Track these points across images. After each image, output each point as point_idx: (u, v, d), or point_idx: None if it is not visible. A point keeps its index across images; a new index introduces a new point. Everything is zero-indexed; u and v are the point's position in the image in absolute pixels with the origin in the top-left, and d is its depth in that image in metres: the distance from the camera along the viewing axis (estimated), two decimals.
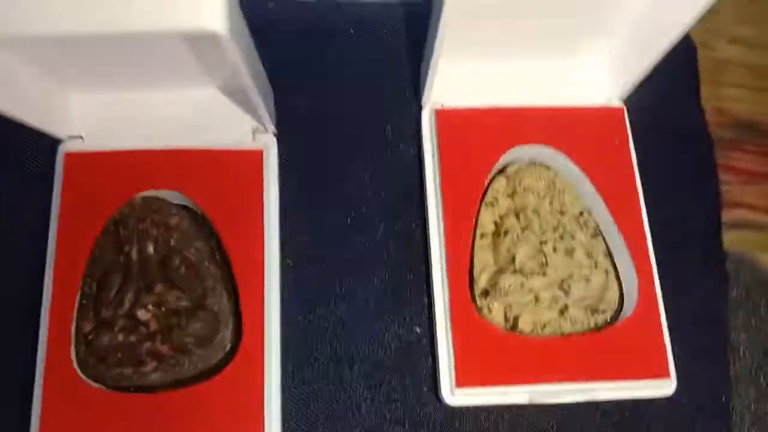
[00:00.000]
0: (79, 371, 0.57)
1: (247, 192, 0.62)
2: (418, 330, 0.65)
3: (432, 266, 0.61)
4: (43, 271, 0.60)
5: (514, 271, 0.61)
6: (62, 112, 0.63)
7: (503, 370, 0.58)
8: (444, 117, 0.65)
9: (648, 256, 0.62)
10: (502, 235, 0.62)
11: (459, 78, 0.66)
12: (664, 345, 0.60)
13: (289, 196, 0.65)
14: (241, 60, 0.47)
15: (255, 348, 0.58)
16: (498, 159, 0.64)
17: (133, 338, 0.58)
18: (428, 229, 0.63)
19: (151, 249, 0.60)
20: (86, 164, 0.62)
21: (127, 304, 0.59)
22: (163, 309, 0.59)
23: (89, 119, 0.64)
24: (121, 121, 0.64)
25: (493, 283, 0.61)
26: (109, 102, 0.65)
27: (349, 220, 0.68)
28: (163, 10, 0.42)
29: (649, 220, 0.63)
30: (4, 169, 0.67)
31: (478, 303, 0.61)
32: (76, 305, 0.59)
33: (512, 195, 0.64)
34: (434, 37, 0.56)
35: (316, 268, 0.66)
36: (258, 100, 0.56)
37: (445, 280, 0.60)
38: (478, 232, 0.63)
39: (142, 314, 0.58)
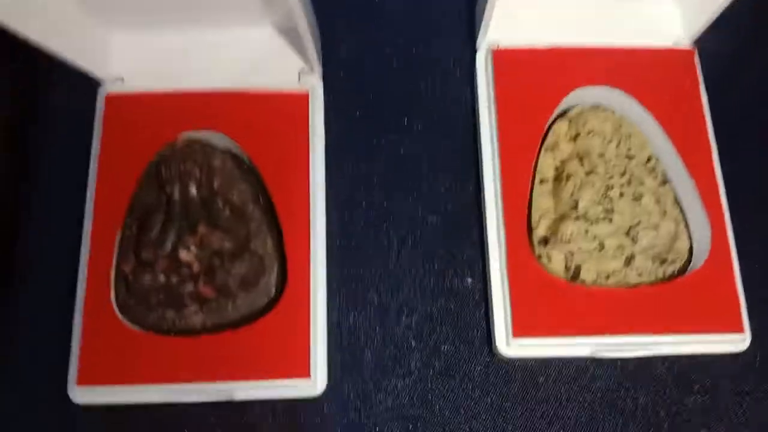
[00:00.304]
0: (118, 313, 0.56)
1: (292, 135, 0.60)
2: (469, 281, 0.62)
3: (486, 213, 0.59)
4: (83, 212, 0.58)
5: (577, 218, 0.58)
6: (102, 53, 0.62)
7: (564, 321, 0.55)
8: (501, 57, 0.62)
9: (720, 206, 0.58)
10: (564, 179, 0.59)
11: (517, 16, 0.63)
12: (738, 298, 0.56)
13: (333, 140, 0.63)
14: None
15: (301, 293, 0.56)
16: (560, 101, 0.61)
17: (174, 279, 0.56)
18: (483, 175, 0.60)
19: (194, 190, 0.58)
20: (127, 106, 0.61)
21: (169, 245, 0.57)
22: (206, 250, 0.56)
23: (130, 60, 0.63)
24: (162, 62, 0.63)
25: (554, 230, 0.58)
26: (150, 43, 0.63)
27: (395, 168, 0.65)
28: None
29: (721, 168, 0.59)
30: (47, 109, 0.66)
31: (537, 251, 0.58)
32: (116, 246, 0.57)
33: (575, 138, 0.61)
34: None
35: (361, 214, 0.64)
36: (308, 37, 0.54)
37: (502, 227, 0.57)
38: (537, 177, 0.60)
39: (184, 255, 0.56)
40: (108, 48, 0.62)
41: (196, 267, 0.56)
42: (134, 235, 0.57)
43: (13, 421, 0.58)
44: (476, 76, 0.63)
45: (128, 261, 0.57)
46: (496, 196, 0.58)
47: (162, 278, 0.56)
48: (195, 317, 0.56)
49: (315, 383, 0.55)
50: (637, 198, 0.58)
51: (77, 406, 0.55)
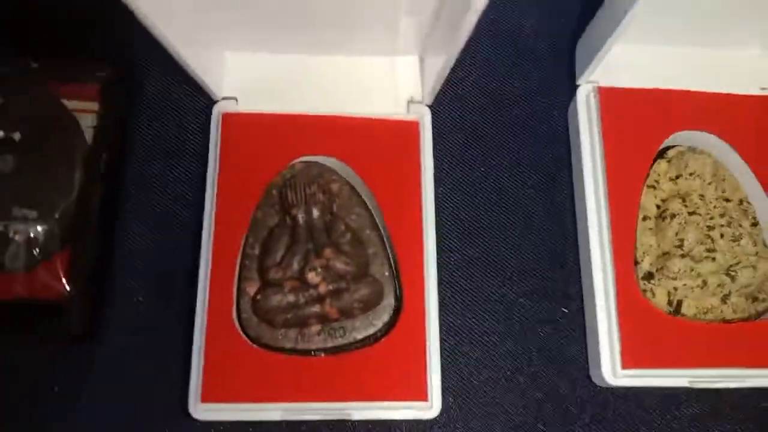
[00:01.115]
0: (240, 332, 0.58)
1: (404, 161, 0.63)
2: (564, 310, 0.66)
3: (591, 247, 0.63)
4: (200, 230, 0.61)
5: (683, 255, 0.61)
6: (218, 72, 0.64)
7: (668, 354, 0.59)
8: (607, 95, 0.65)
9: None
10: (667, 218, 0.63)
11: (619, 59, 0.66)
12: None
13: (437, 166, 0.66)
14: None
15: (416, 317, 0.59)
16: (662, 141, 0.65)
17: (302, 299, 0.59)
18: (584, 209, 0.64)
19: (317, 213, 0.61)
20: (243, 125, 0.63)
21: (296, 266, 0.60)
22: (331, 273, 0.59)
23: (242, 81, 0.65)
24: (274, 84, 0.66)
25: (660, 266, 0.62)
26: (263, 64, 0.66)
27: (490, 200, 0.70)
28: None
29: None
30: (165, 126, 0.70)
31: (641, 285, 0.61)
32: (238, 265, 0.60)
33: (676, 179, 0.65)
34: (618, 19, 0.57)
35: (464, 246, 0.69)
36: (447, 71, 0.56)
37: (609, 261, 0.61)
38: (641, 214, 0.63)
39: (312, 277, 0.59)
40: (222, 67, 0.64)
41: (322, 288, 0.59)
42: (257, 256, 0.60)
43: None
44: (576, 112, 0.66)
45: (252, 280, 0.60)
46: (601, 230, 0.62)
47: (291, 298, 0.59)
48: (316, 337, 0.59)
49: (431, 406, 0.58)
50: (736, 239, 0.62)
51: (197, 423, 0.58)
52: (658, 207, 0.64)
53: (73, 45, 0.68)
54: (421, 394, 0.57)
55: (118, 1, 0.44)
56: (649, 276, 0.62)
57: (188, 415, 0.56)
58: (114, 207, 0.65)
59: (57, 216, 0.60)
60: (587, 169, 0.65)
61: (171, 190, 0.66)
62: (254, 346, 0.58)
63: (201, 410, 0.56)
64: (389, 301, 0.60)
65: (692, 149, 0.66)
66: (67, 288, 0.60)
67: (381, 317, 0.60)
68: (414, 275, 0.59)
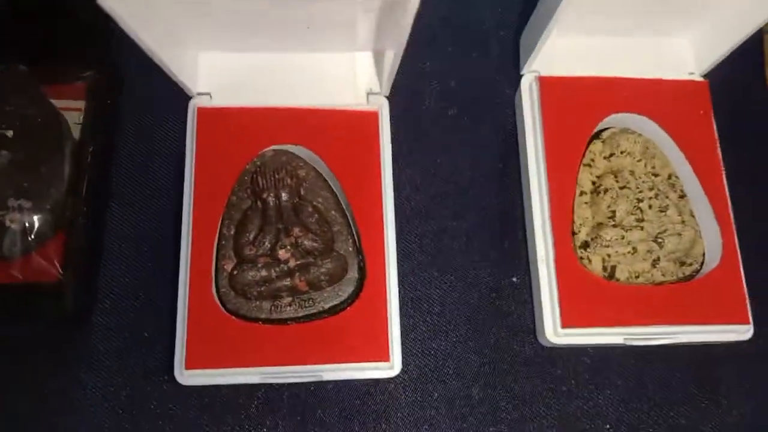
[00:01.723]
0: (219, 304, 0.65)
1: (365, 148, 0.70)
2: (514, 280, 0.74)
3: (534, 220, 0.70)
4: (180, 214, 0.68)
5: (615, 226, 0.69)
6: (193, 70, 0.71)
7: (603, 314, 0.66)
8: (547, 84, 0.73)
9: (729, 217, 0.70)
10: (601, 192, 0.70)
11: (557, 49, 0.74)
12: (744, 295, 0.67)
13: (396, 151, 0.73)
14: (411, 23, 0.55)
15: (378, 287, 0.67)
16: (597, 124, 0.73)
17: (273, 274, 0.66)
18: (528, 187, 0.72)
19: (285, 196, 0.69)
20: (217, 118, 0.70)
21: (267, 244, 0.67)
22: (299, 249, 0.67)
23: (215, 77, 0.72)
24: (244, 80, 0.72)
25: (594, 236, 0.70)
26: (233, 62, 0.72)
27: (445, 181, 0.78)
28: None
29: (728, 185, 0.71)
30: (147, 121, 0.77)
31: (579, 254, 0.69)
32: (215, 245, 0.67)
33: (609, 157, 0.73)
34: (552, 11, 0.64)
35: (422, 224, 0.76)
36: (397, 64, 0.64)
37: (549, 232, 0.69)
38: (577, 190, 0.71)
39: (282, 254, 0.67)
40: (196, 66, 0.71)
41: (292, 263, 0.67)
42: (232, 236, 0.67)
43: (121, 398, 0.68)
44: (520, 100, 0.74)
45: (229, 258, 0.67)
46: (542, 205, 0.69)
47: (263, 273, 0.66)
48: (288, 308, 0.66)
49: (392, 366, 0.65)
50: (663, 209, 0.70)
51: (180, 387, 0.63)
52: (593, 183, 0.72)
53: (58, 47, 0.75)
54: (384, 356, 0.64)
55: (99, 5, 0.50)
56: (585, 245, 0.70)
57: (174, 380, 0.62)
58: (102, 195, 0.72)
59: (50, 206, 0.67)
60: (530, 151, 0.72)
61: (153, 178, 0.73)
62: (232, 317, 0.65)
63: (186, 376, 0.62)
64: (353, 274, 0.67)
65: (625, 130, 0.74)
66: (61, 271, 0.67)
67: (346, 288, 0.67)
68: (375, 250, 0.66)
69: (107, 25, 0.54)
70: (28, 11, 0.71)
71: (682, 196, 0.72)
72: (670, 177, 0.73)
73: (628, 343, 0.66)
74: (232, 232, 0.67)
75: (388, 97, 0.72)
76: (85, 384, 0.67)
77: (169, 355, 0.64)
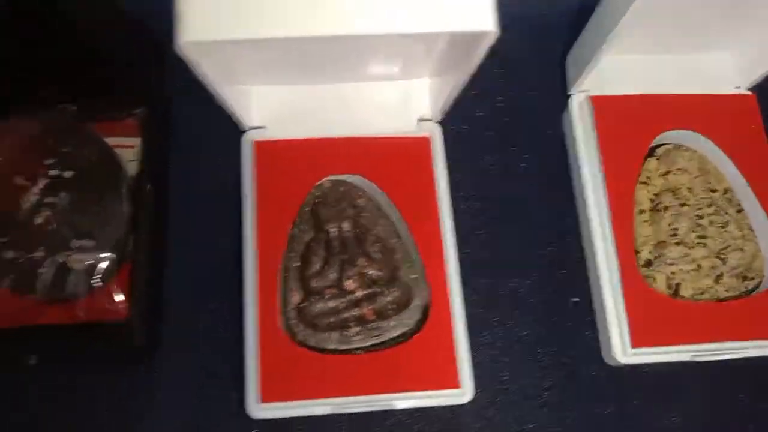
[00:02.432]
0: (288, 336, 0.66)
1: (419, 174, 0.71)
2: (575, 300, 0.75)
3: (594, 241, 0.71)
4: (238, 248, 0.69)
5: (678, 243, 0.71)
6: (247, 104, 0.72)
7: (672, 332, 0.67)
8: (600, 103, 0.74)
9: None
10: (661, 210, 0.72)
11: (606, 68, 0.75)
12: None
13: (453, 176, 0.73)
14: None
15: (443, 312, 0.67)
16: (651, 141, 0.74)
17: (341, 305, 0.67)
18: (585, 207, 0.73)
19: (347, 227, 0.70)
20: (273, 151, 0.71)
21: (333, 275, 0.68)
22: (366, 279, 0.68)
23: (268, 110, 0.73)
24: (297, 112, 0.73)
25: (658, 254, 0.71)
26: (285, 94, 0.73)
27: (498, 203, 0.79)
28: (438, 12, 0.52)
29: None
30: (201, 155, 0.77)
31: (642, 272, 0.70)
32: (280, 278, 0.68)
33: (665, 174, 0.74)
34: (606, 31, 0.65)
35: (480, 249, 0.77)
36: (457, 90, 0.65)
37: (612, 251, 0.70)
38: (636, 208, 0.72)
39: (348, 284, 0.68)
40: (250, 100, 0.72)
41: (359, 294, 0.68)
42: (297, 268, 0.68)
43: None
44: (571, 119, 0.75)
45: (295, 290, 0.68)
46: (603, 225, 0.70)
47: (331, 304, 0.67)
48: (356, 338, 0.66)
49: (464, 393, 0.66)
50: (724, 225, 0.71)
51: (251, 421, 0.64)
52: (651, 201, 0.73)
53: (109, 83, 0.74)
54: (453, 382, 0.64)
55: (149, 41, 0.51)
56: (648, 263, 0.70)
57: (244, 415, 0.63)
58: (161, 232, 0.73)
59: (112, 245, 0.67)
60: (585, 170, 0.73)
61: (211, 214, 0.73)
62: (303, 349, 0.64)
63: (260, 410, 0.62)
64: (418, 302, 0.68)
65: (678, 146, 0.75)
66: (126, 309, 0.66)
67: (412, 316, 0.67)
68: (438, 276, 0.67)
69: (153, 61, 0.55)
70: (70, 48, 0.70)
71: (740, 211, 0.72)
72: (726, 192, 0.74)
73: (695, 359, 0.67)
74: (296, 264, 0.67)
75: (440, 123, 0.73)
76: (154, 422, 0.68)
77: (234, 390, 0.66)
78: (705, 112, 0.73)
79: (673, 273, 0.69)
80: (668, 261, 0.69)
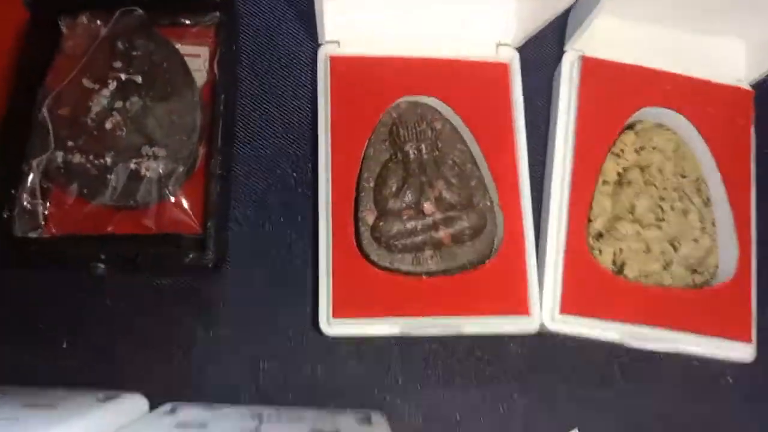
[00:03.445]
0: (361, 254, 0.46)
1: (497, 101, 0.50)
2: None
3: (551, 200, 0.49)
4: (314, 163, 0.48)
5: (633, 220, 0.49)
6: (321, 15, 0.48)
7: (604, 306, 0.46)
8: (589, 65, 0.51)
9: (750, 232, 0.50)
10: (624, 185, 0.50)
11: (605, 32, 0.52)
12: (751, 313, 0.48)
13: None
14: None
15: (517, 240, 0.47)
16: (632, 113, 0.51)
17: (418, 227, 0.47)
18: (550, 165, 0.50)
19: (426, 149, 0.49)
20: (350, 68, 0.49)
21: (411, 197, 0.47)
22: (442, 202, 0.48)
23: (344, 25, 0.50)
24: (373, 28, 0.50)
25: (609, 227, 0.49)
26: (361, 9, 0.50)
27: None
28: None
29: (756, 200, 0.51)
30: (271, 67, 0.53)
31: (590, 243, 0.49)
32: (354, 197, 0.47)
33: (640, 150, 0.54)
34: None
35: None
36: (549, 19, 0.46)
37: (565, 215, 0.48)
38: (601, 178, 0.50)
39: (427, 207, 0.48)
40: (325, 13, 0.49)
41: (437, 217, 0.48)
42: (372, 188, 0.48)
43: (264, 350, 0.47)
44: (560, 75, 0.53)
45: (370, 210, 0.48)
46: (562, 187, 0.49)
47: (409, 225, 0.47)
48: (430, 261, 0.47)
49: (533, 320, 0.46)
50: (685, 213, 0.50)
51: (323, 338, 0.45)
52: (618, 174, 0.51)
53: None
54: (523, 308, 0.46)
55: None
56: (599, 235, 0.49)
57: (317, 330, 0.44)
58: (231, 145, 0.50)
59: (184, 154, 0.46)
60: (560, 130, 0.51)
61: (281, 129, 0.51)
62: (376, 268, 0.46)
63: (332, 325, 0.44)
64: (492, 228, 0.49)
65: (660, 125, 0.52)
66: (196, 221, 0.45)
67: (486, 242, 0.48)
68: (512, 204, 0.48)
69: None
70: None
71: (707, 204, 0.51)
72: (698, 180, 0.54)
73: (626, 343, 0.48)
74: (371, 184, 0.48)
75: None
76: (225, 337, 0.46)
77: (309, 306, 0.46)
78: (696, 96, 0.52)
79: (620, 249, 0.49)
80: (618, 236, 0.48)
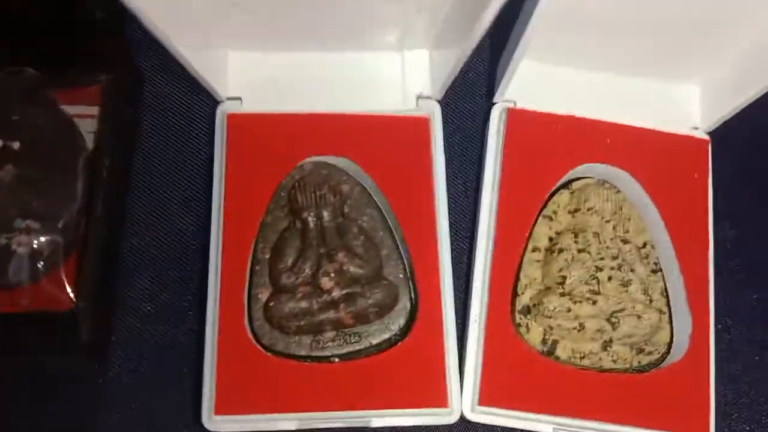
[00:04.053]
0: (253, 339, 0.41)
1: (415, 158, 0.44)
2: None
3: (474, 272, 0.43)
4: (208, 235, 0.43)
5: (563, 294, 0.43)
6: (222, 72, 0.45)
7: (533, 395, 0.41)
8: (516, 117, 0.45)
9: (707, 304, 0.43)
10: (555, 252, 0.44)
11: (538, 81, 0.47)
12: (709, 399, 0.42)
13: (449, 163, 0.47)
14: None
15: (433, 320, 0.41)
16: (566, 172, 0.45)
17: (315, 306, 0.42)
18: (477, 229, 0.44)
19: (328, 216, 0.44)
20: (249, 126, 0.44)
21: (308, 271, 0.42)
22: (344, 277, 0.43)
23: (246, 80, 0.45)
24: (278, 82, 0.45)
25: (538, 301, 0.43)
26: (266, 62, 0.45)
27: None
28: None
29: (715, 268, 0.44)
30: (169, 129, 0.48)
31: (517, 319, 0.43)
32: (248, 271, 0.42)
33: (574, 212, 0.46)
34: (521, 33, 0.38)
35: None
36: (460, 64, 0.40)
37: (486, 291, 0.42)
38: (531, 244, 0.44)
39: (325, 282, 0.42)
40: (225, 67, 0.45)
41: (336, 294, 0.42)
42: (267, 261, 0.43)
43: None
44: (488, 129, 0.48)
45: (264, 286, 0.42)
46: (486, 255, 0.43)
47: (304, 304, 0.42)
48: (331, 344, 0.42)
49: (452, 412, 0.40)
50: (625, 284, 0.44)
51: None
52: (550, 239, 0.45)
53: (70, 50, 0.46)
54: (441, 400, 0.40)
55: (115, 4, 0.30)
56: (526, 310, 0.44)
57: (202, 426, 0.39)
58: (118, 213, 0.46)
59: (61, 226, 0.41)
60: (485, 190, 0.45)
61: (177, 194, 0.46)
62: (267, 354, 0.40)
63: (215, 422, 0.39)
64: (404, 304, 0.43)
65: (602, 183, 0.46)
66: (74, 299, 0.41)
67: (397, 321, 0.43)
68: (429, 276, 0.42)
69: (124, 23, 0.39)
70: (38, 11, 0.44)
71: (656, 271, 0.45)
72: (645, 246, 0.45)
73: None
74: (267, 256, 0.42)
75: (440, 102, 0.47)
76: (101, 426, 0.41)
77: (197, 397, 0.40)
78: (641, 149, 0.45)
79: (551, 327, 0.43)
80: (546, 312, 0.42)
